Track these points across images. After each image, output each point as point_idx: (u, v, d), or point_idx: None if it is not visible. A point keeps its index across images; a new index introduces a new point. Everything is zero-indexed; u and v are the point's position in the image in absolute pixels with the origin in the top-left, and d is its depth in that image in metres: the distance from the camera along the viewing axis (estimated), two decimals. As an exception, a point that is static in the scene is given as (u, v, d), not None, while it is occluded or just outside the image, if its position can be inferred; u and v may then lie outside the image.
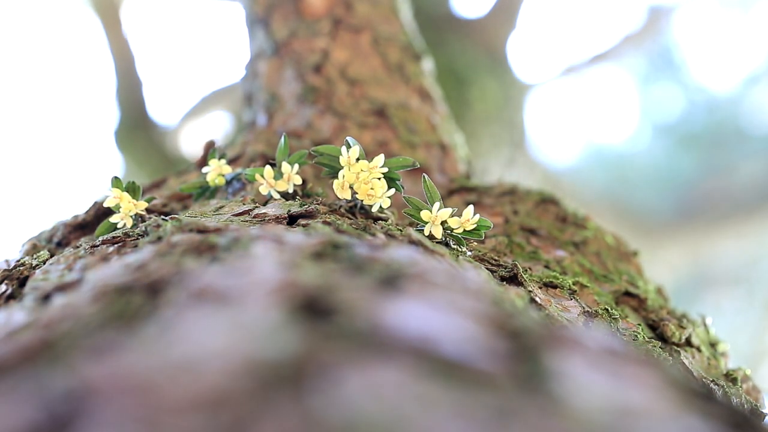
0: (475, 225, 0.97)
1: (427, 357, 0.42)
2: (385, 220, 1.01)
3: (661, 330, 1.06)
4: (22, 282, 0.83)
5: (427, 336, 0.45)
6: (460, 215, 0.97)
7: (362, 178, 0.99)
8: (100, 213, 1.16)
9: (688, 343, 1.07)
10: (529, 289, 0.92)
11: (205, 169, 1.14)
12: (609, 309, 0.99)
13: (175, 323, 0.46)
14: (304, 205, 0.95)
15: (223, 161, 1.14)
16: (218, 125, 5.12)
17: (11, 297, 0.79)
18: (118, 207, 1.00)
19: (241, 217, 0.91)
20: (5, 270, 0.86)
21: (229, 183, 1.15)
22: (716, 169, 6.13)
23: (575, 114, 7.05)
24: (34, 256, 0.93)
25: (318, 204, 0.97)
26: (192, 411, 0.35)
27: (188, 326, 0.45)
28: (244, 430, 0.34)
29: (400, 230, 0.90)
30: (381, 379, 0.39)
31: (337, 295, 0.50)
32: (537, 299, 0.90)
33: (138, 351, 0.42)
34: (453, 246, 0.98)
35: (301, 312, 0.47)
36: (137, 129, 4.60)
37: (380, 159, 0.99)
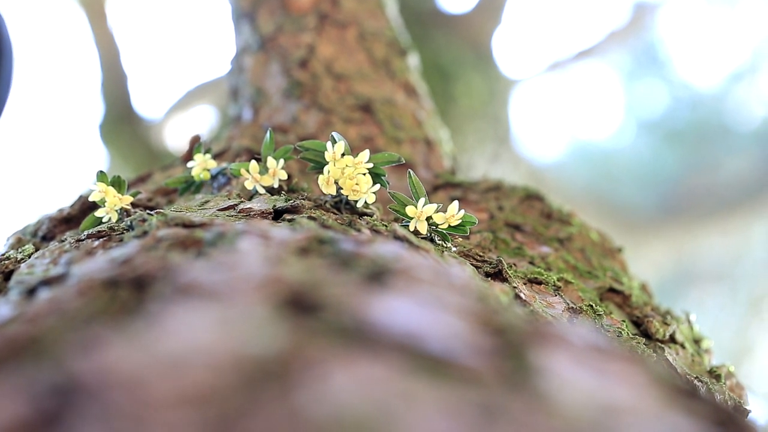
0: (460, 221, 0.97)
1: (413, 353, 0.42)
2: (371, 216, 1.01)
3: (645, 326, 1.07)
4: (7, 276, 0.82)
5: (412, 332, 0.45)
6: (445, 211, 0.97)
7: (347, 173, 0.99)
8: (86, 207, 1.15)
9: (672, 339, 1.07)
10: (514, 285, 0.93)
11: (190, 164, 1.14)
12: (593, 305, 1.00)
13: (162, 318, 0.46)
14: (289, 200, 0.95)
15: (209, 156, 1.14)
16: (203, 119, 5.12)
17: (-4, 291, 0.79)
18: (103, 201, 1.00)
19: (227, 212, 0.91)
20: (-10, 264, 0.86)
21: (214, 178, 1.15)
22: (700, 166, 6.15)
23: (560, 110, 7.06)
24: (19, 249, 0.93)
25: (303, 199, 0.97)
26: (179, 406, 0.35)
27: (174, 321, 0.45)
28: (230, 426, 0.34)
29: (386, 226, 0.91)
30: (367, 375, 0.39)
31: (323, 290, 0.50)
32: (522, 295, 0.90)
33: (124, 346, 0.42)
34: (438, 242, 0.98)
35: (287, 307, 0.47)
36: (122, 123, 4.59)
37: (365, 154, 0.99)
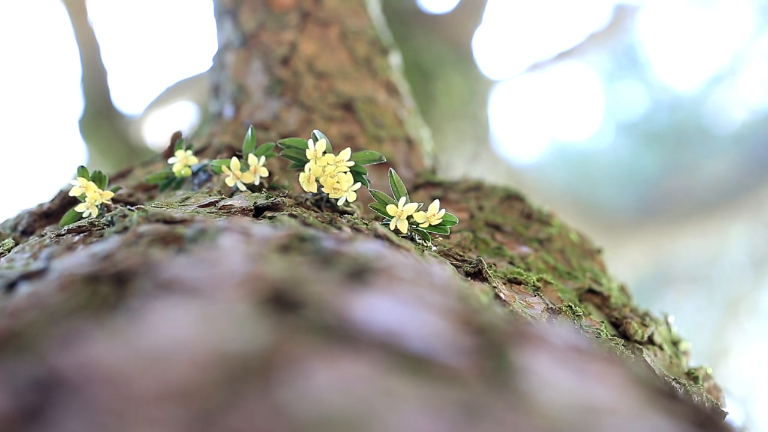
0: (441, 220, 0.97)
1: (395, 351, 0.42)
2: (351, 214, 1.01)
3: (623, 328, 1.07)
4: (-14, 270, 0.82)
5: (394, 330, 0.45)
6: (425, 210, 0.97)
7: (328, 171, 0.99)
8: (66, 202, 1.15)
9: (651, 341, 1.08)
10: (494, 285, 0.93)
11: (171, 160, 1.14)
12: (572, 306, 1.00)
13: (143, 314, 0.46)
14: (270, 197, 0.95)
15: (190, 152, 1.14)
16: (183, 116, 5.10)
17: (-25, 285, 0.79)
18: (83, 196, 0.99)
19: (208, 209, 0.91)
20: (-31, 258, 0.86)
21: (195, 174, 1.15)
22: (679, 168, 6.18)
23: (539, 110, 7.08)
24: (-1, 244, 0.92)
25: (284, 197, 0.97)
26: (161, 402, 0.35)
27: (156, 317, 0.45)
28: (212, 422, 0.34)
29: (366, 224, 0.91)
30: (349, 373, 0.39)
31: (305, 288, 0.50)
32: (501, 295, 0.90)
33: (106, 341, 0.42)
34: (418, 241, 0.98)
35: (269, 305, 0.47)
36: (102, 118, 4.57)
37: (347, 153, 0.99)
